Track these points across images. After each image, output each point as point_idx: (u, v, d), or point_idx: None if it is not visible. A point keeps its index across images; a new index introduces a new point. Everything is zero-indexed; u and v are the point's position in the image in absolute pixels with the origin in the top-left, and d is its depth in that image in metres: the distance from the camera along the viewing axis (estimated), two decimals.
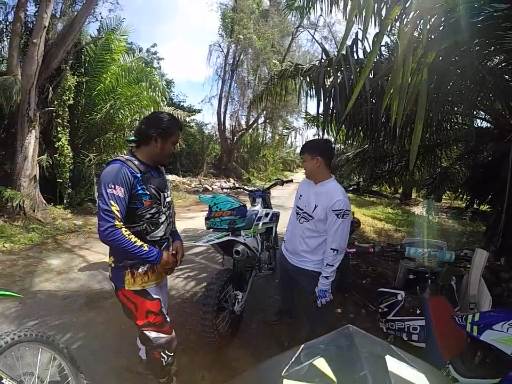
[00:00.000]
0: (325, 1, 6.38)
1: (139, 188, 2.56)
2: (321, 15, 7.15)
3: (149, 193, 2.62)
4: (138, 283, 2.72)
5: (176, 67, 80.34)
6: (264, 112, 25.20)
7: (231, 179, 26.67)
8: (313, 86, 5.97)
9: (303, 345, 1.04)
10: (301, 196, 3.54)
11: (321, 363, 0.86)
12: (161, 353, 3.00)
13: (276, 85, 7.37)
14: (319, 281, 3.28)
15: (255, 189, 5.65)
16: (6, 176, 10.10)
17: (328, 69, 5.69)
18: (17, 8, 10.40)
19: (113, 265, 2.76)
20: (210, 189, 21.80)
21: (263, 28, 26.80)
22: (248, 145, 33.27)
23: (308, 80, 6.28)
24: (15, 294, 2.74)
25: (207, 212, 4.24)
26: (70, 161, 11.26)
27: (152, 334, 2.93)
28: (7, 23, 11.74)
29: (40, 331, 2.70)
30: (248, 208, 4.69)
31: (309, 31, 24.08)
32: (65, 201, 11.62)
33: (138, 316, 2.84)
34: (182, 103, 30.99)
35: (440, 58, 3.63)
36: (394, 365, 0.84)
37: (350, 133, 7.08)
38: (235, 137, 30.58)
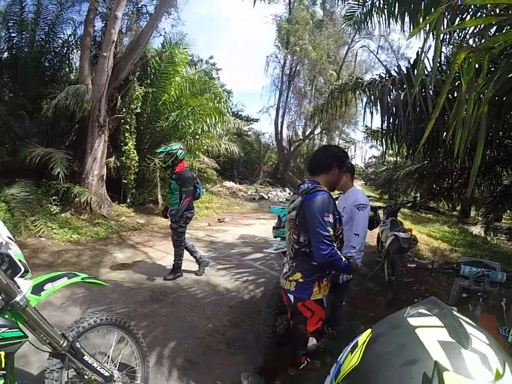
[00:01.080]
0: (382, 14, 6.48)
1: (336, 213, 3.03)
2: (377, 25, 7.21)
3: (338, 216, 3.09)
4: (322, 293, 3.08)
5: (231, 77, 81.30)
6: (321, 122, 25.30)
7: (286, 188, 26.67)
8: (373, 100, 6.09)
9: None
10: (338, 207, 4.16)
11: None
12: (307, 358, 3.52)
13: (336, 98, 7.49)
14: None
15: None
16: (75, 175, 10.81)
17: (391, 86, 5.78)
18: (86, 23, 11.39)
19: (301, 280, 3.04)
20: (266, 197, 21.94)
21: (318, 38, 26.80)
22: (304, 155, 32.81)
23: (368, 94, 6.38)
24: (101, 282, 2.95)
25: (275, 222, 4.66)
26: (135, 165, 12.05)
27: (313, 341, 3.41)
28: (75, 37, 12.85)
29: (118, 317, 2.92)
30: None
31: (370, 50, 23.81)
32: (128, 200, 12.48)
33: (311, 323, 3.12)
34: (240, 113, 30.94)
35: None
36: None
37: (411, 150, 7.08)
38: (292, 147, 30.58)
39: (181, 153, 6.36)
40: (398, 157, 9.79)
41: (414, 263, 3.45)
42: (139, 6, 13.77)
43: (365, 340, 0.89)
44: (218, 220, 13.68)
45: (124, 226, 10.38)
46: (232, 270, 7.27)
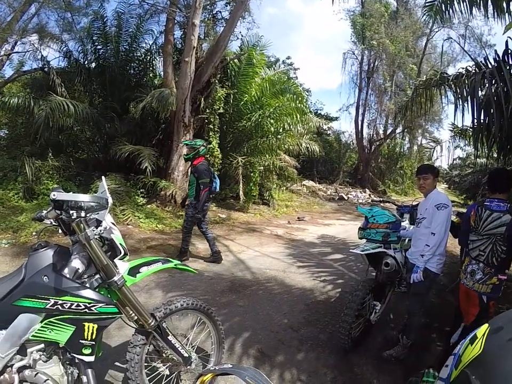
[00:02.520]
0: (464, 1, 6.00)
1: None
2: (458, 13, 6.83)
3: None
4: None
5: (307, 75, 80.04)
6: (403, 121, 24.22)
7: (366, 189, 25.88)
8: (461, 96, 5.54)
9: None
10: (418, 209, 4.16)
11: None
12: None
13: (420, 95, 7.21)
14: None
15: (404, 204, 5.62)
16: (160, 170, 11.57)
17: (481, 79, 5.23)
18: (166, 32, 12.15)
19: (497, 283, 3.49)
20: (346, 198, 21.47)
21: (395, 31, 25.61)
22: (386, 156, 31.53)
23: (454, 89, 5.94)
24: (192, 270, 3.07)
25: (362, 222, 4.65)
26: (219, 162, 12.37)
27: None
28: (156, 46, 13.65)
29: (203, 303, 3.01)
30: None
31: (455, 41, 22.26)
32: (210, 196, 12.69)
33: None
34: (319, 111, 30.53)
35: None
36: None
37: (503, 152, 6.36)
38: (372, 147, 29.32)
39: (202, 150, 6.92)
40: (487, 159, 9.12)
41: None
42: (214, 12, 14.21)
43: (484, 332, 0.97)
44: (298, 218, 13.64)
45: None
46: (311, 268, 7.21)
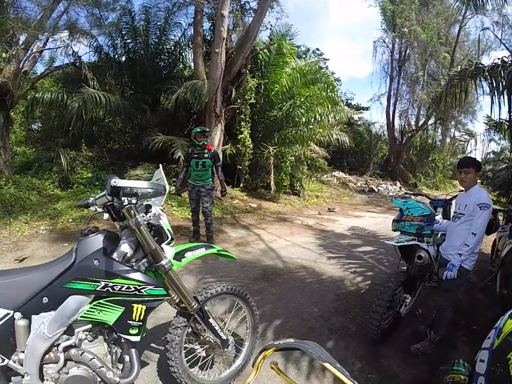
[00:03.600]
0: None
1: None
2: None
3: None
4: None
5: (337, 65, 78.98)
6: (436, 112, 23.43)
7: (397, 182, 25.20)
8: (496, 89, 5.55)
9: None
10: (457, 203, 4.03)
11: None
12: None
13: (454, 86, 7.11)
14: (454, 257, 3.66)
15: (437, 198, 5.58)
16: None
17: None
18: (195, 24, 12.12)
19: None
20: (376, 190, 21.12)
21: (426, 18, 24.58)
22: (417, 148, 30.50)
23: (490, 81, 5.89)
24: (233, 256, 3.14)
25: (397, 214, 4.59)
26: (250, 152, 12.37)
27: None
28: (185, 38, 13.79)
29: (241, 288, 3.05)
30: None
31: (492, 32, 21.44)
32: (241, 185, 12.91)
33: None
34: (350, 101, 29.65)
35: None
36: None
37: None
38: (404, 138, 28.41)
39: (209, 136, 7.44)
40: None
41: None
42: (242, 3, 14.11)
43: None
44: (329, 209, 13.55)
45: (238, 208, 10.81)
46: (341, 260, 7.19)
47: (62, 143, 10.94)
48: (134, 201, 2.17)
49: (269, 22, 14.88)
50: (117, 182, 2.10)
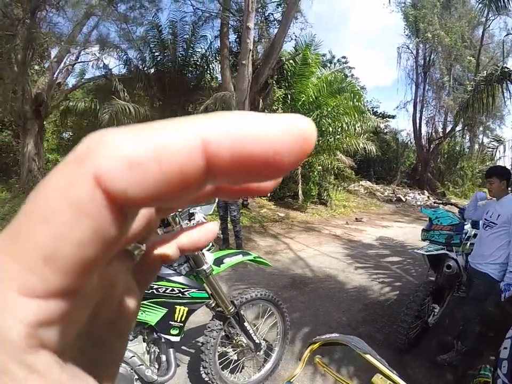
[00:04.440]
0: None
1: None
2: None
3: None
4: None
5: (361, 73, 78.33)
6: (463, 118, 22.61)
7: (425, 191, 24.49)
8: None
9: None
10: (488, 210, 3.89)
11: None
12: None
13: (481, 92, 7.07)
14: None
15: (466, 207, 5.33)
16: None
17: None
18: (221, 37, 12.44)
19: None
20: (404, 200, 20.58)
21: (449, 21, 24.08)
22: (445, 155, 29.35)
23: None
24: (267, 262, 3.27)
25: (426, 224, 4.51)
26: None
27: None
28: (211, 50, 14.10)
29: (274, 295, 3.14)
30: None
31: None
32: (269, 194, 12.59)
33: None
34: (375, 109, 29.16)
35: None
36: None
37: None
38: (431, 146, 27.73)
39: None
40: None
41: None
42: (266, 15, 14.37)
43: None
44: (356, 219, 13.41)
45: (266, 218, 10.83)
46: (369, 269, 7.20)
47: None
48: (179, 208, 2.26)
49: (293, 33, 14.97)
50: None
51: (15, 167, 12.11)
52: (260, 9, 13.95)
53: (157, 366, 2.49)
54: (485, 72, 9.13)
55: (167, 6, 16.88)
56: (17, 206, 8.34)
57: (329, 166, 13.95)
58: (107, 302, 0.23)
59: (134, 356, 2.31)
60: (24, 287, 0.15)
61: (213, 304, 2.63)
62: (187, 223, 2.38)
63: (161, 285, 2.34)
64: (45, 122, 11.11)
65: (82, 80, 13.38)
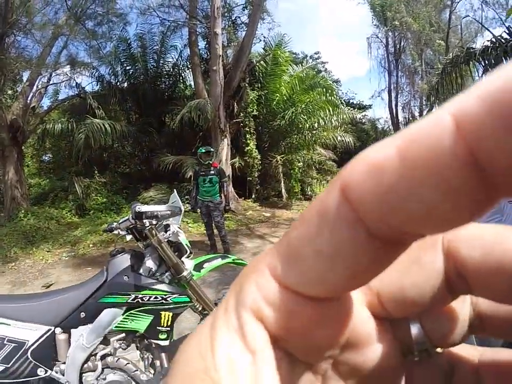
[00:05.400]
0: None
1: None
2: None
3: None
4: None
5: (335, 66, 78.41)
6: (438, 100, 22.62)
7: None
8: (488, 71, 5.48)
9: None
10: None
11: None
12: None
13: (449, 74, 7.19)
14: None
15: None
16: None
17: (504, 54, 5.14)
18: (190, 45, 12.63)
19: None
20: None
21: (416, 8, 23.97)
22: None
23: (484, 64, 6.02)
24: (246, 263, 3.31)
25: None
26: (258, 163, 12.53)
27: None
28: (182, 59, 14.29)
29: None
30: None
31: (478, 21, 20.90)
32: (253, 196, 13.05)
33: None
34: (351, 100, 29.10)
35: None
36: None
37: None
38: None
39: (214, 154, 8.14)
40: None
41: None
42: (233, 19, 14.45)
43: None
44: None
45: (252, 219, 10.88)
46: None
47: (74, 172, 11.42)
48: (154, 222, 2.45)
49: (262, 34, 15.06)
50: (140, 208, 2.41)
51: None
52: (226, 14, 14.05)
53: (152, 371, 2.59)
54: (450, 54, 9.32)
55: (133, 19, 16.91)
56: (5, 236, 8.39)
57: (310, 161, 14.11)
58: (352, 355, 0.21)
59: (128, 363, 2.42)
60: (271, 267, 0.17)
61: (200, 308, 2.75)
62: (163, 234, 2.54)
63: (144, 294, 2.46)
64: (23, 147, 11.11)
65: (57, 101, 13.38)
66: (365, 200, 0.14)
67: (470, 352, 0.24)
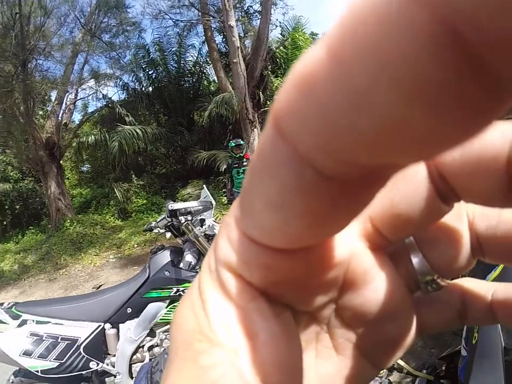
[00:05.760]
0: None
1: None
2: None
3: None
4: None
5: None
6: None
7: None
8: None
9: None
10: None
11: None
12: None
13: None
14: None
15: None
16: None
17: None
18: (207, 41, 12.68)
19: None
20: None
21: None
22: None
23: None
24: None
25: None
26: None
27: None
28: (202, 55, 14.47)
29: None
30: None
31: None
32: None
33: None
34: None
35: None
36: None
37: None
38: None
39: (245, 147, 8.07)
40: None
41: None
42: (246, 9, 14.35)
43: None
44: None
45: None
46: None
47: (113, 178, 11.78)
48: (189, 218, 2.53)
49: (277, 20, 14.88)
50: (173, 205, 2.51)
51: (43, 209, 12.79)
52: (238, 5, 13.93)
53: None
54: None
55: (147, 25, 17.11)
56: (54, 245, 8.85)
57: None
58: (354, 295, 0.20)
59: None
60: (237, 219, 0.16)
61: None
62: (199, 229, 2.59)
63: (186, 287, 2.53)
64: (61, 162, 11.47)
65: (87, 114, 13.69)
66: (300, 131, 0.11)
67: (482, 288, 0.23)
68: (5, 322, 2.40)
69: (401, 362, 2.30)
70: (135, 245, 8.34)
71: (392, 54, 0.08)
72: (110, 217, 10.91)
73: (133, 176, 11.81)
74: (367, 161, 0.10)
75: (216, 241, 0.18)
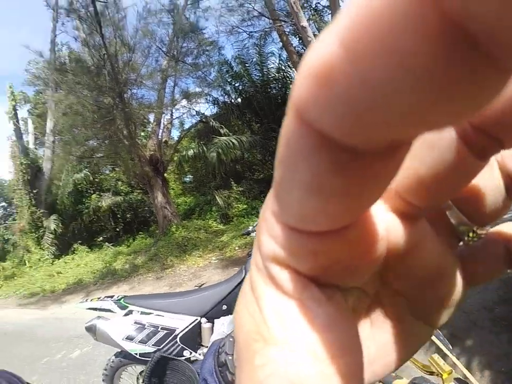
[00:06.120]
0: None
1: None
2: None
3: None
4: None
5: None
6: None
7: None
8: None
9: None
10: None
11: None
12: None
13: None
14: None
15: None
16: None
17: None
18: (285, 46, 12.98)
19: None
20: None
21: None
22: None
23: None
24: None
25: None
26: None
27: None
28: (282, 61, 14.67)
29: None
30: None
31: None
32: None
33: None
34: None
35: None
36: None
37: None
38: None
39: None
40: None
41: None
42: (314, 6, 14.34)
43: None
44: None
45: None
46: None
47: (214, 186, 12.65)
48: None
49: None
50: None
51: (151, 217, 14.18)
52: (305, 4, 14.07)
53: None
54: None
55: (224, 42, 17.75)
56: (161, 247, 9.89)
57: None
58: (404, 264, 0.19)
59: None
60: (274, 211, 0.16)
61: None
62: None
63: None
64: (165, 175, 12.61)
65: (184, 131, 14.82)
66: (326, 117, 0.11)
67: None
68: (113, 311, 2.71)
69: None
70: (236, 248, 8.78)
71: (406, 51, 0.09)
72: (212, 222, 11.70)
73: (233, 183, 12.57)
74: (384, 136, 0.11)
75: (259, 238, 0.17)
